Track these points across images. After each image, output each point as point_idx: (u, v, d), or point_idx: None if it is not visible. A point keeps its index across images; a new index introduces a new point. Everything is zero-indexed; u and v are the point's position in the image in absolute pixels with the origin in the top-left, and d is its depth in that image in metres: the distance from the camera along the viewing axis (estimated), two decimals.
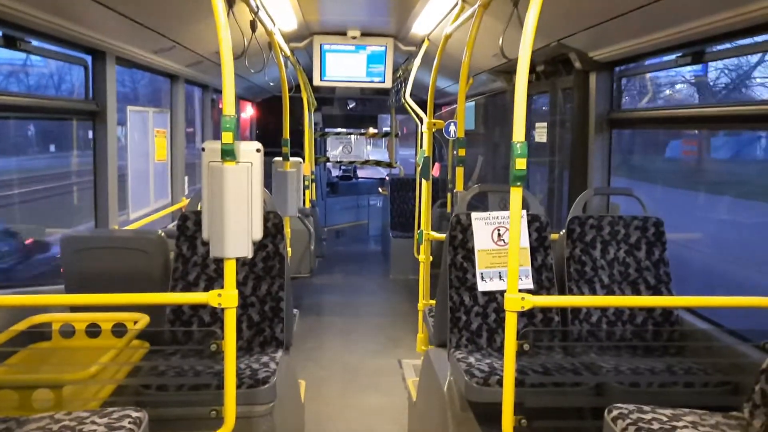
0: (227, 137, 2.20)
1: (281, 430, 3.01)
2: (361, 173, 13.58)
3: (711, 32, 2.85)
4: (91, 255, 3.22)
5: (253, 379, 2.85)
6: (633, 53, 3.54)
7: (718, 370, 2.85)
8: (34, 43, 3.25)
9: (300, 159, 5.73)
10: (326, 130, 11.43)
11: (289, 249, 4.75)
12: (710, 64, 5.66)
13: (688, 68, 4.19)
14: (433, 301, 4.09)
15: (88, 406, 2.43)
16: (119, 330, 2.94)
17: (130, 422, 2.07)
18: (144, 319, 2.91)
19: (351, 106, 10.76)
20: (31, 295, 3.37)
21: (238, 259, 2.32)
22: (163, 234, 3.38)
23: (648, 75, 5.13)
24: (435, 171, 8.83)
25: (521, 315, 2.24)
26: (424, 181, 4.58)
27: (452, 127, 7.01)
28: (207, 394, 2.67)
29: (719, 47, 3.11)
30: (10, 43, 3.07)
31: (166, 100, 5.50)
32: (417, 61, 5.40)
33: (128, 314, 2.94)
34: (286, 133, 4.99)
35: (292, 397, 3.58)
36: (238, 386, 2.66)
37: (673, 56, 3.43)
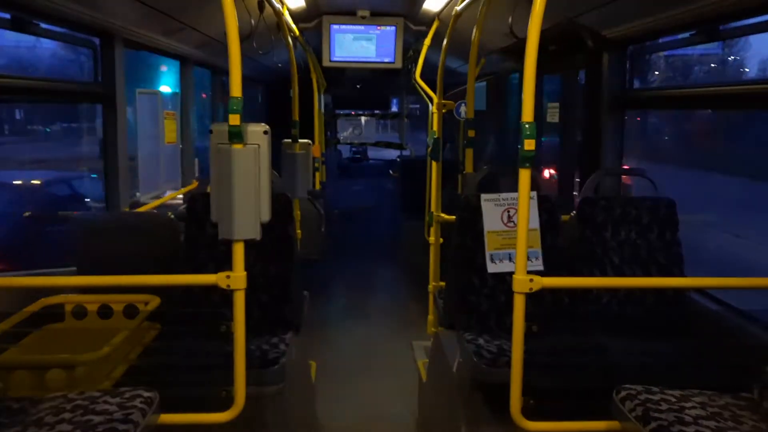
0: (234, 119, 2.19)
1: (292, 411, 3.04)
2: (371, 155, 13.54)
3: (726, 9, 2.78)
4: (102, 237, 3.25)
5: (263, 360, 2.86)
6: (647, 31, 3.48)
7: (728, 351, 2.83)
8: (42, 25, 3.25)
9: (309, 141, 5.70)
10: (336, 111, 11.37)
11: (299, 231, 4.75)
12: None
13: None
14: (443, 283, 4.08)
15: (101, 386, 2.45)
16: (131, 312, 2.97)
17: (141, 402, 2.10)
18: (155, 301, 2.93)
19: (360, 86, 10.66)
20: (44, 276, 3.41)
21: (246, 241, 2.32)
22: (172, 216, 3.39)
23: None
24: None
25: (530, 297, 2.23)
26: (434, 163, 4.55)
27: (463, 108, 6.95)
28: (217, 375, 2.69)
29: (734, 25, 3.04)
30: (18, 26, 3.07)
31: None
32: (427, 41, 5.34)
33: (139, 296, 2.96)
34: (296, 115, 4.97)
35: (302, 378, 3.61)
36: (248, 367, 2.68)
37: (687, 34, 3.36)
